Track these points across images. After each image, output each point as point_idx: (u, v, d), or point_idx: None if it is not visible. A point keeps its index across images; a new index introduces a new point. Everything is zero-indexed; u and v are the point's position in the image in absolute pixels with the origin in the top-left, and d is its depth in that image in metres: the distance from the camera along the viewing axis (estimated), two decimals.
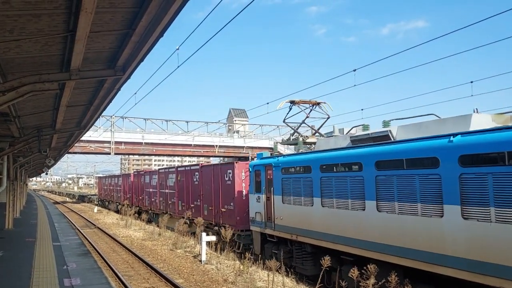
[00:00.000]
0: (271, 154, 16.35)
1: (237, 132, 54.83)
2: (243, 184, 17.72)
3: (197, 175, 22.38)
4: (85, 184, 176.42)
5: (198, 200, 21.79)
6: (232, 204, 18.01)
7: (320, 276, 11.26)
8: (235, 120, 63.00)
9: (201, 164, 22.41)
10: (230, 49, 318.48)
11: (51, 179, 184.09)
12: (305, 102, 16.35)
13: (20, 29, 6.28)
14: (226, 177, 18.79)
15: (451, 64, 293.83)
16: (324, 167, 11.89)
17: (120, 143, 44.14)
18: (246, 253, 14.99)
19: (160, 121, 46.67)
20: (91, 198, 65.08)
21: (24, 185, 43.35)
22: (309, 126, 17.69)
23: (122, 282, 12.42)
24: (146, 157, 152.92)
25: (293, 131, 16.92)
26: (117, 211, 38.97)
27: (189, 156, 58.79)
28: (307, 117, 16.72)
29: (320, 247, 11.94)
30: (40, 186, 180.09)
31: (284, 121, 16.77)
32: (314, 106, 16.41)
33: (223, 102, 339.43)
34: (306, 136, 16.10)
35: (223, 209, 18.83)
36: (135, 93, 21.78)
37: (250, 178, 16.14)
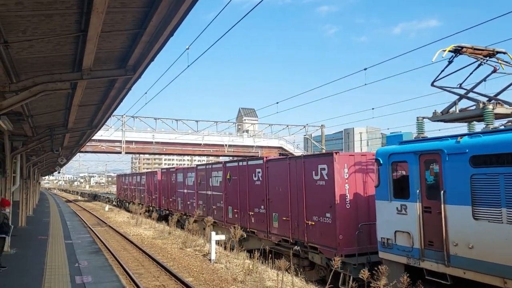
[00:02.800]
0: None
1: (247, 131, 54.89)
2: (347, 185, 12.55)
3: (259, 172, 16.98)
4: (96, 183, 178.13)
5: (262, 207, 16.47)
6: (329, 215, 12.62)
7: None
8: (245, 120, 63.03)
9: (267, 157, 17.15)
10: (240, 48, 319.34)
11: (64, 177, 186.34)
12: (476, 52, 10.14)
13: (33, 29, 6.37)
14: (316, 174, 13.36)
15: None
16: None
17: (130, 142, 44.43)
18: (255, 252, 14.94)
19: (170, 120, 46.90)
20: (108, 197, 59.32)
21: (37, 184, 43.92)
22: (479, 94, 10.32)
23: (133, 280, 12.52)
24: (156, 156, 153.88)
25: (451, 98, 10.78)
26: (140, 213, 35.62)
27: (199, 155, 59.02)
28: (493, 71, 10.17)
29: None
30: (52, 184, 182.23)
31: (432, 84, 10.61)
32: (485, 59, 10.21)
33: (232, 102, 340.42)
34: (498, 103, 9.66)
35: (310, 222, 13.51)
36: (146, 93, 21.72)
37: (379, 175, 10.40)
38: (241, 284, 12.03)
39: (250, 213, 17.42)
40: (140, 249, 18.53)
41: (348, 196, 12.54)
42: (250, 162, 18.05)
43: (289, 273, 12.24)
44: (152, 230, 25.28)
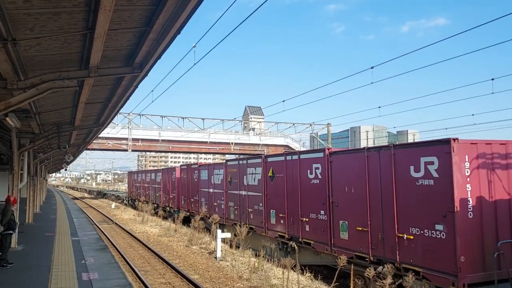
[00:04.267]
0: None
1: (253, 129, 54.89)
2: (469, 186, 9.33)
3: (317, 168, 13.59)
4: (103, 180, 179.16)
5: (322, 212, 13.12)
6: (441, 227, 9.38)
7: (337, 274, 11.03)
8: (251, 118, 63.02)
9: (330, 149, 13.50)
10: (247, 47, 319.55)
11: (70, 175, 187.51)
12: None
13: (41, 27, 6.39)
14: (417, 170, 10.06)
15: (471, 61, 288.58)
16: None
17: (137, 140, 44.63)
18: (261, 250, 14.94)
19: (176, 118, 47.06)
20: (118, 195, 56.36)
21: (44, 181, 44.23)
22: None
23: (139, 277, 12.58)
24: (163, 154, 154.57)
25: None
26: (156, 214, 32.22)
27: (205, 153, 59.14)
28: None
29: None
30: (59, 182, 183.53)
31: None
32: None
33: (239, 100, 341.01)
34: None
35: (405, 235, 10.18)
36: (152, 91, 21.74)
37: None
38: (247, 282, 12.05)
39: (304, 219, 14.07)
40: (146, 246, 18.61)
41: (470, 201, 9.26)
42: (303, 156, 14.58)
43: (294, 271, 12.23)
44: (158, 228, 25.38)
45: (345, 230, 12.24)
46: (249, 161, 18.50)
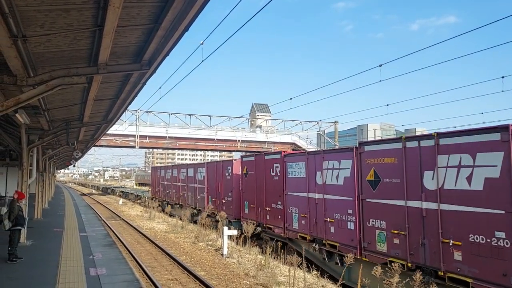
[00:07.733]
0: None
1: (260, 127, 54.84)
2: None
3: None
4: (110, 177, 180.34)
5: None
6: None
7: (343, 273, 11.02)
8: (258, 115, 63.00)
9: None
10: (254, 44, 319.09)
11: (78, 171, 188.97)
12: None
13: (50, 24, 6.43)
14: None
15: (482, 59, 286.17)
16: None
17: (144, 137, 44.81)
18: (268, 247, 14.95)
19: (183, 115, 47.17)
20: (138, 195, 49.17)
21: (52, 177, 44.56)
22: None
23: (146, 273, 12.65)
24: (170, 151, 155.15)
25: None
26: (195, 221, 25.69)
27: (212, 150, 59.25)
28: None
29: None
30: (67, 178, 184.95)
31: None
32: None
33: (246, 97, 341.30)
34: None
35: None
36: (160, 88, 21.85)
37: None
38: (253, 279, 12.07)
39: None
40: (153, 242, 18.71)
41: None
42: None
43: (301, 269, 12.22)
44: (165, 224, 25.50)
45: None
46: (444, 141, 9.26)
